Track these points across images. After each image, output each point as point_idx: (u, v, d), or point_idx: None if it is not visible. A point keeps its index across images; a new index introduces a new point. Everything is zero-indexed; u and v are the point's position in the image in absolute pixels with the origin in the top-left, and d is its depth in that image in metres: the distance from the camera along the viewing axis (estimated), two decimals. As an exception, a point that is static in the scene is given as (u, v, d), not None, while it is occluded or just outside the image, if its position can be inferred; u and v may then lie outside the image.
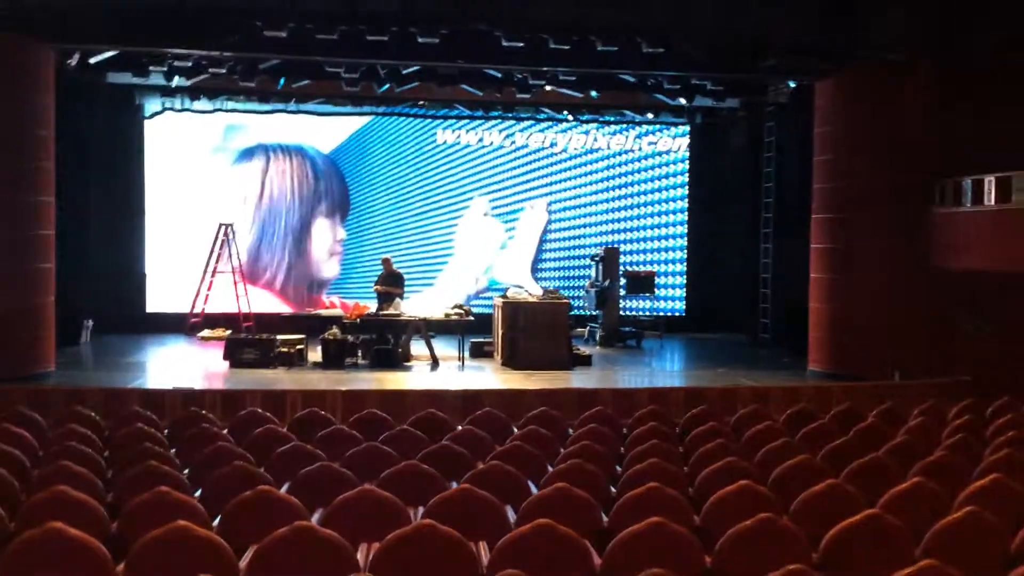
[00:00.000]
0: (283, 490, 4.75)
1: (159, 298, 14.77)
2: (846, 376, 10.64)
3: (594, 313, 14.35)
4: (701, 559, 3.71)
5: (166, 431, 6.61)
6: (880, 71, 10.84)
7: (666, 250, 15.93)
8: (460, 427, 6.51)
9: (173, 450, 6.00)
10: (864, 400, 8.42)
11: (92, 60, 11.21)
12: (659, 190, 15.94)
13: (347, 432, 6.30)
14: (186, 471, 5.46)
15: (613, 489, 5.12)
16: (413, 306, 12.76)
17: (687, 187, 15.90)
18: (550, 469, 5.33)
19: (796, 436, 6.35)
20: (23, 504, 4.37)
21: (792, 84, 12.52)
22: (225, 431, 6.47)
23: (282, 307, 14.96)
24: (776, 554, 3.46)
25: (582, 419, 6.90)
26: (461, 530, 3.68)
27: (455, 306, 12.56)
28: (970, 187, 10.21)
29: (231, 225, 14.52)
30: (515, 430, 6.56)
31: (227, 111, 14.57)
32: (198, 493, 4.90)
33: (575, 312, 13.98)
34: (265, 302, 14.83)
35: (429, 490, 4.61)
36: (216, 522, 4.29)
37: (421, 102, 14.67)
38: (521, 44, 9.78)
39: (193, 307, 14.26)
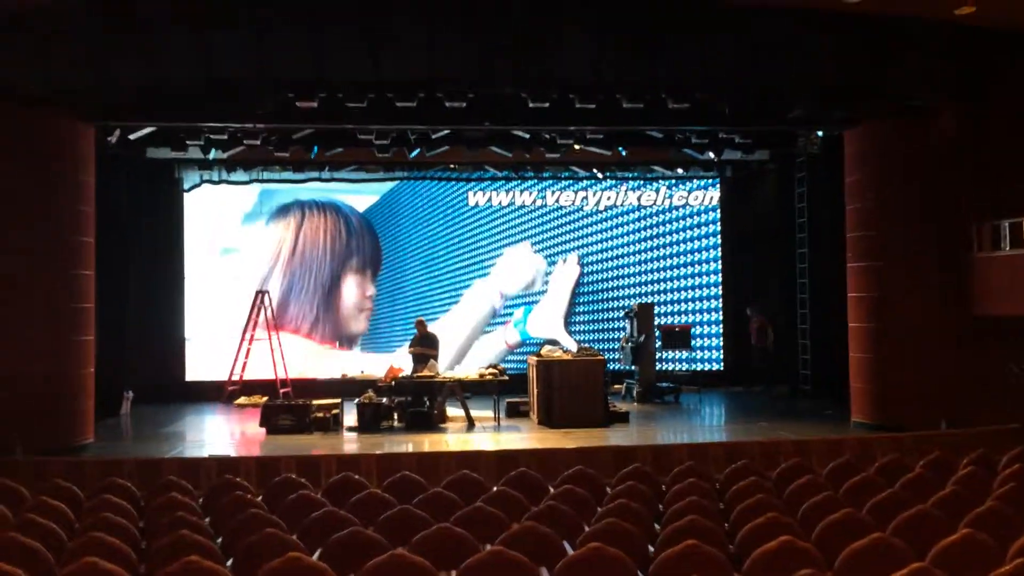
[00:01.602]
0: (315, 556, 4.70)
1: (198, 367, 14.93)
2: (890, 427, 10.38)
3: (630, 369, 14.21)
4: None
5: (201, 500, 6.62)
6: (908, 118, 10.79)
7: (701, 301, 15.79)
8: (495, 488, 6.43)
9: (207, 519, 6.00)
10: (910, 451, 8.19)
11: (132, 136, 11.55)
12: (691, 243, 15.89)
13: (380, 496, 6.25)
14: (219, 540, 5.44)
15: (651, 548, 5.00)
16: (448, 363, 12.74)
17: (719, 240, 15.83)
18: (586, 529, 5.22)
19: (840, 490, 6.17)
20: (56, 576, 4.37)
21: (821, 134, 12.50)
22: (259, 498, 6.46)
23: (313, 348, 15.02)
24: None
25: (619, 477, 6.78)
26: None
27: (489, 366, 12.52)
28: (1008, 230, 10.04)
29: (267, 292, 14.71)
30: (551, 490, 6.46)
31: (263, 181, 14.89)
32: (230, 562, 4.87)
33: (611, 368, 13.88)
34: (296, 348, 14.92)
35: (462, 553, 4.53)
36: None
37: (451, 165, 14.87)
38: (547, 105, 9.89)
39: (231, 375, 14.37)
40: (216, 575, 4.14)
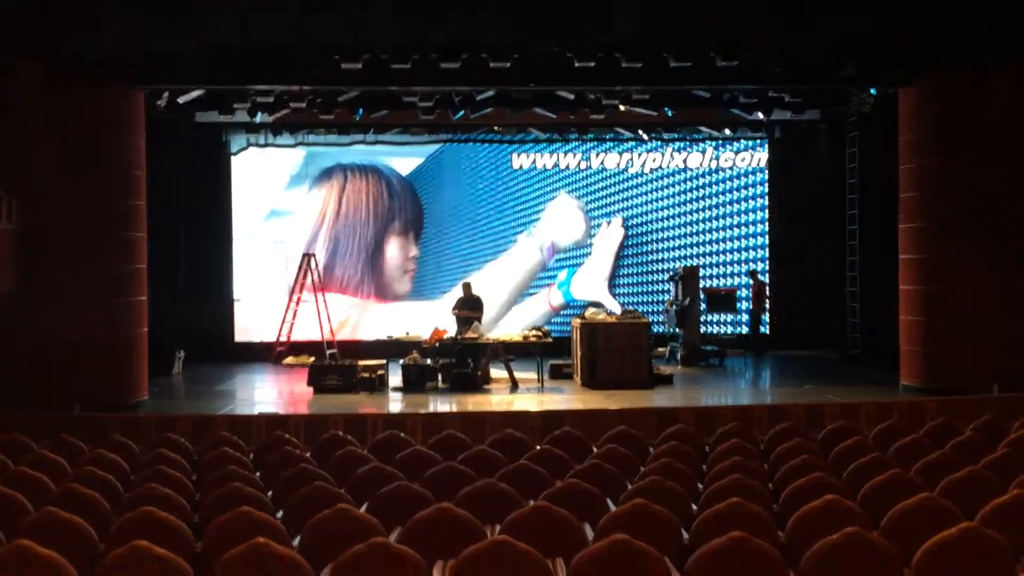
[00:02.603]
0: (362, 510, 4.79)
1: (247, 328, 15.19)
2: (941, 391, 10.20)
3: (674, 332, 14.15)
4: (785, 574, 3.58)
5: (251, 455, 6.77)
6: (965, 75, 10.46)
7: (747, 264, 15.58)
8: (538, 447, 6.47)
9: (257, 473, 6.14)
10: (961, 414, 8.04)
11: (180, 100, 11.69)
12: (738, 205, 15.67)
13: (426, 453, 6.33)
14: (269, 493, 5.57)
15: (695, 507, 5.01)
16: (492, 325, 12.80)
17: (767, 202, 15.59)
18: (629, 487, 5.24)
19: (888, 451, 6.10)
20: (113, 524, 4.51)
21: (874, 92, 12.18)
22: (308, 454, 6.59)
23: (358, 304, 15.22)
24: (865, 569, 3.30)
25: (663, 437, 6.78)
26: (537, 547, 3.64)
27: (533, 328, 12.55)
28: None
29: (313, 255, 14.88)
30: (594, 450, 6.49)
31: (308, 144, 14.99)
32: (280, 514, 4.98)
33: (654, 331, 13.84)
34: (342, 305, 15.13)
35: (506, 509, 4.58)
36: (296, 541, 4.35)
37: (495, 127, 14.80)
38: (592, 64, 9.77)
39: (279, 336, 14.61)
40: (267, 525, 4.24)
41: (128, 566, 3.54)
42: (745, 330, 15.29)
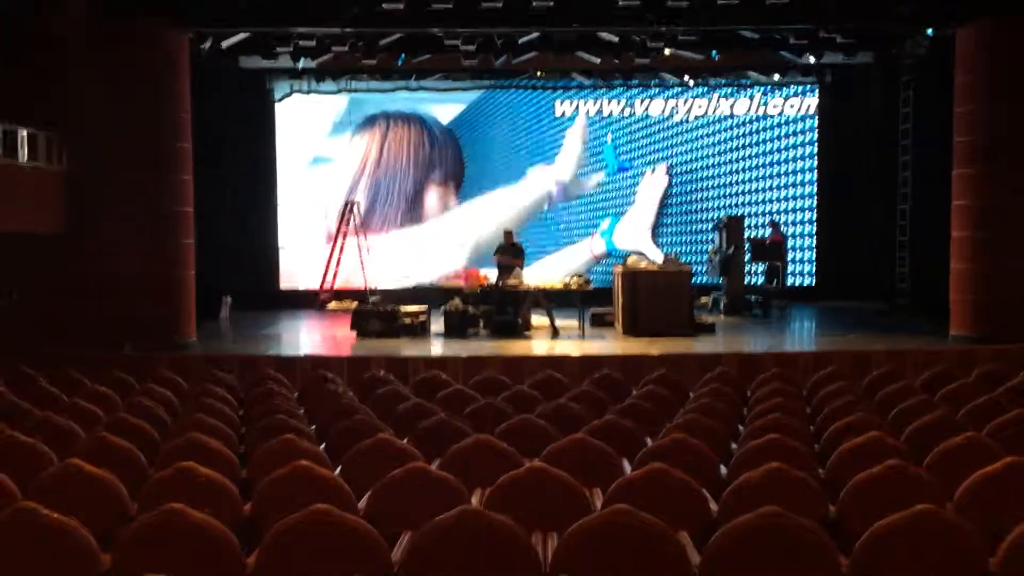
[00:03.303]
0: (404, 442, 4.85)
1: (292, 275, 15.37)
2: (992, 340, 9.97)
3: (718, 282, 14.00)
4: (824, 507, 3.55)
5: (296, 394, 6.89)
6: (1026, 15, 10.04)
7: (795, 213, 15.31)
8: (579, 389, 6.48)
9: (302, 410, 6.24)
10: (1013, 362, 7.86)
11: (224, 44, 11.71)
12: (787, 151, 15.35)
13: (466, 392, 6.39)
14: (312, 427, 5.67)
15: (734, 446, 4.98)
16: (533, 273, 12.80)
17: (816, 150, 15.24)
18: (668, 426, 5.23)
19: (935, 396, 6.00)
20: (161, 450, 4.63)
21: (930, 33, 11.76)
22: (350, 392, 6.68)
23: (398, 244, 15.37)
24: (906, 503, 3.26)
25: (704, 380, 6.74)
26: (575, 477, 3.66)
27: (574, 275, 12.50)
28: None
29: (357, 203, 14.94)
30: (634, 392, 6.47)
31: (351, 91, 14.97)
32: (323, 446, 5.07)
33: (698, 281, 13.69)
34: (384, 247, 15.24)
35: (544, 443, 4.60)
36: (338, 470, 4.42)
37: (538, 73, 14.61)
38: (637, 2, 9.55)
39: (323, 283, 14.76)
40: (310, 453, 4.32)
41: (175, 486, 3.63)
42: (793, 281, 15.05)
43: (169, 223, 10.40)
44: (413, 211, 15.52)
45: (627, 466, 4.39)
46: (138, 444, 4.66)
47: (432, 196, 15.55)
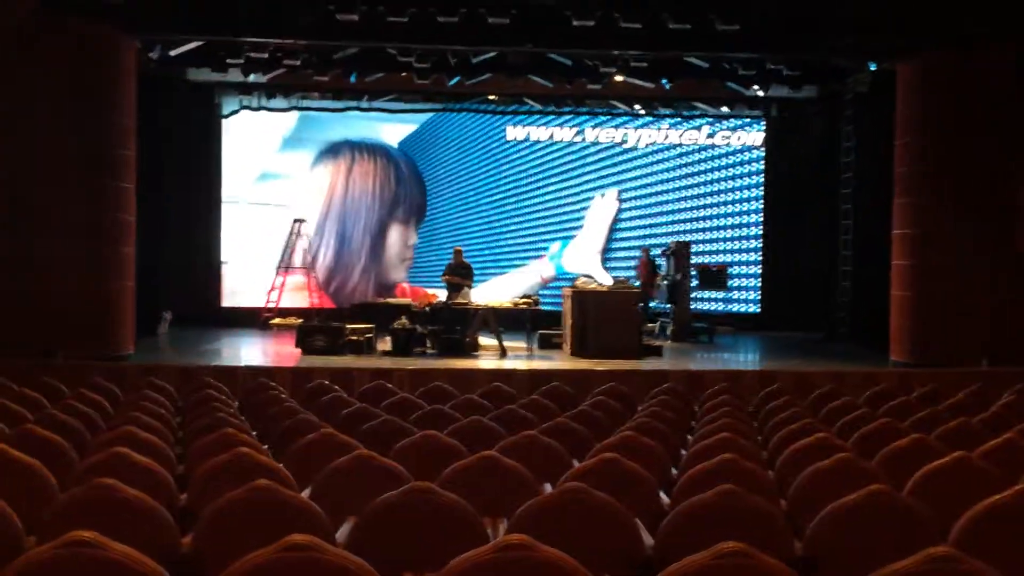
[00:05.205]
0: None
1: (234, 292, 15.06)
2: (932, 366, 10.17)
3: (664, 308, 14.09)
4: (776, 501, 3.53)
5: (236, 403, 6.68)
6: (965, 50, 10.40)
7: (741, 241, 15.55)
8: (529, 398, 6.40)
9: (243, 417, 6.04)
10: (950, 385, 8.01)
11: (173, 53, 11.53)
12: (733, 182, 15.61)
13: (413, 400, 6.26)
14: (254, 433, 5.49)
15: (684, 452, 4.95)
16: (481, 295, 12.75)
17: (763, 180, 15.54)
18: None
19: (878, 411, 6.06)
20: (92, 443, 4.43)
21: (873, 67, 12.12)
22: (293, 401, 6.50)
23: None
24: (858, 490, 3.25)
25: (652, 393, 6.73)
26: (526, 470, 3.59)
27: (523, 296, 12.47)
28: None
29: (303, 221, 14.75)
30: (586, 402, 6.42)
31: (301, 108, 14.83)
32: (265, 447, 4.90)
33: (654, 307, 13.78)
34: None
35: (495, 442, 4.51)
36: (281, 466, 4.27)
37: (491, 96, 14.68)
38: (591, 24, 9.67)
39: (267, 301, 14.50)
40: (249, 443, 4.17)
41: (108, 471, 3.45)
42: (736, 308, 15.24)
43: (109, 231, 10.10)
44: (375, 250, 15.34)
45: (577, 465, 4.32)
46: (68, 440, 4.45)
47: (394, 234, 15.41)
